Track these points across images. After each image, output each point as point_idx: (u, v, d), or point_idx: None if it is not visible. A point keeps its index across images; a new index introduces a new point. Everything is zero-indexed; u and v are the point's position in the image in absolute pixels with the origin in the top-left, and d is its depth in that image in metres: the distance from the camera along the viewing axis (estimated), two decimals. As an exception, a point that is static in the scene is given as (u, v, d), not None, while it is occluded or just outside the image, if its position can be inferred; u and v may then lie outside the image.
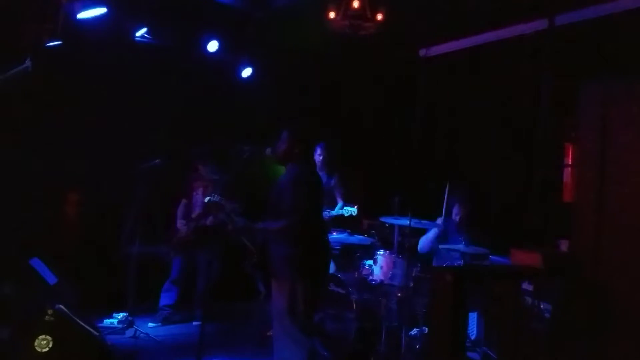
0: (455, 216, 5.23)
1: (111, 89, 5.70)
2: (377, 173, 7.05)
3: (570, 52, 4.93)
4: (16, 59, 5.04)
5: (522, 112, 5.48)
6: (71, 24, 5.04)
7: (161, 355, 4.79)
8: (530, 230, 4.85)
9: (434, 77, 6.31)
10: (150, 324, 5.50)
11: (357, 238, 5.39)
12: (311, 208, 3.72)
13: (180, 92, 6.23)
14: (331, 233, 5.31)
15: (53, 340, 3.71)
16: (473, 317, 4.77)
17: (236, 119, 6.49)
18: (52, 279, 4.36)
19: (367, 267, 5.15)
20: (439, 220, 5.19)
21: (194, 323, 5.62)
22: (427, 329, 4.80)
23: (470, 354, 4.62)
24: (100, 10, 5.11)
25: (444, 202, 5.18)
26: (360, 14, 4.87)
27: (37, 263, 4.41)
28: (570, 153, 5.02)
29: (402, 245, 4.99)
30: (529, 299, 3.51)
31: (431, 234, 5.18)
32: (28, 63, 5.03)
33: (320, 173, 4.62)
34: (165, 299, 5.65)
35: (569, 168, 5.05)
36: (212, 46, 6.14)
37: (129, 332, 5.10)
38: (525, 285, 3.54)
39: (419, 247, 5.23)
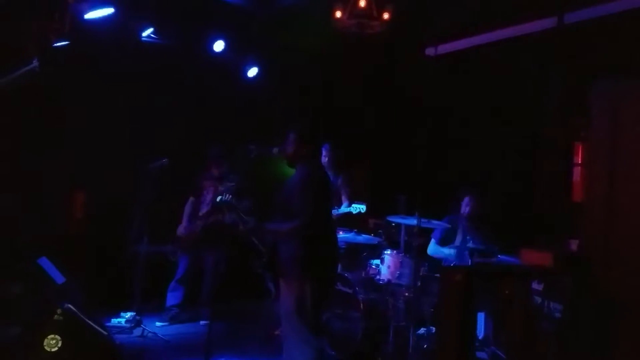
0: (465, 207, 5.19)
1: (118, 88, 5.71)
2: (383, 172, 7.03)
3: (580, 50, 4.90)
4: (24, 59, 5.07)
5: (531, 111, 5.46)
6: (78, 24, 5.05)
7: (169, 355, 4.80)
8: (539, 230, 4.82)
9: (441, 76, 6.28)
10: (158, 323, 5.50)
11: (363, 237, 5.38)
12: (321, 209, 3.71)
13: (186, 92, 6.24)
14: (337, 232, 5.29)
15: (62, 339, 3.71)
16: (480, 317, 4.76)
17: (243, 119, 6.50)
18: (60, 279, 4.37)
19: (374, 266, 5.15)
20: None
21: (202, 322, 5.63)
22: (434, 328, 4.79)
23: (477, 354, 4.60)
24: (107, 11, 5.12)
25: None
26: (366, 12, 4.85)
27: (45, 262, 4.43)
28: (579, 152, 5.00)
29: (410, 245, 4.97)
30: (538, 299, 3.50)
31: (437, 236, 5.18)
32: (35, 63, 5.05)
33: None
34: (171, 299, 5.66)
35: (579, 167, 5.03)
36: (218, 46, 6.15)
37: (137, 332, 5.11)
38: (535, 285, 3.52)
39: (430, 252, 5.22)
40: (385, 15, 4.86)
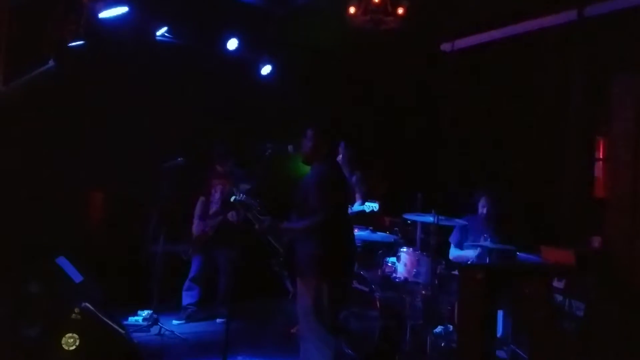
0: (482, 208, 5.13)
1: (133, 87, 5.73)
2: (399, 170, 6.98)
3: (601, 44, 4.80)
4: (40, 60, 5.11)
5: (552, 105, 5.36)
6: (93, 24, 5.07)
7: (186, 353, 4.81)
8: (560, 227, 4.75)
9: (458, 71, 6.21)
10: (175, 322, 5.52)
11: (379, 235, 5.34)
12: (337, 207, 3.68)
13: (200, 91, 6.24)
14: (353, 230, 5.25)
15: (80, 338, 3.73)
16: (499, 315, 4.69)
17: (257, 117, 6.49)
18: (78, 278, 4.39)
19: (390, 264, 5.11)
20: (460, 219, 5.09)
21: (218, 320, 5.64)
22: (452, 327, 4.75)
23: (497, 352, 4.54)
24: (122, 10, 5.13)
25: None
26: (381, 8, 4.81)
27: (63, 262, 4.45)
28: (601, 147, 4.90)
29: (426, 243, 4.92)
30: (559, 297, 3.44)
31: (455, 239, 5.11)
32: (52, 63, 5.09)
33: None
34: (187, 298, 5.67)
35: (601, 162, 4.93)
36: (232, 44, 6.14)
37: (154, 330, 5.13)
38: (556, 283, 3.46)
39: (452, 257, 5.16)
40: (400, 11, 4.82)
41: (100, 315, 3.91)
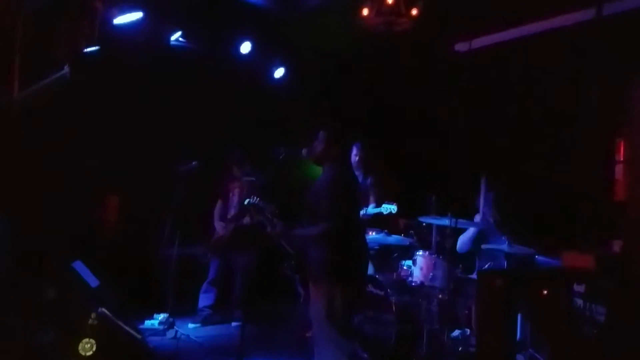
0: (490, 218, 5.06)
1: (148, 92, 5.76)
2: (413, 172, 6.93)
3: (620, 43, 4.71)
4: (55, 66, 5.15)
5: (571, 107, 5.28)
6: (108, 30, 5.10)
7: (202, 357, 4.83)
8: (579, 231, 4.67)
9: (472, 72, 6.14)
10: (191, 325, 5.54)
11: (395, 238, 5.30)
12: (349, 211, 3.66)
13: (214, 95, 6.25)
14: (368, 233, 5.23)
15: (97, 343, 3.74)
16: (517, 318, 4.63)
17: (271, 120, 6.48)
18: (94, 282, 4.42)
19: (405, 268, 5.07)
20: (477, 219, 5.03)
21: (233, 324, 5.65)
22: (469, 331, 4.70)
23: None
24: (136, 15, 5.15)
25: (479, 200, 5.00)
26: (394, 9, 4.77)
27: (79, 266, 4.48)
28: (621, 149, 4.81)
29: (442, 246, 4.88)
30: (579, 301, 3.37)
31: (470, 232, 5.04)
32: (66, 69, 5.13)
33: (356, 173, 4.55)
34: (203, 301, 5.69)
35: (621, 165, 4.84)
36: (245, 48, 6.15)
37: (170, 333, 5.15)
38: (576, 287, 3.39)
39: (458, 247, 5.10)
40: (414, 12, 4.77)
41: (116, 320, 3.93)
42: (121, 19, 5.12)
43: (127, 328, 4.03)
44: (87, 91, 5.45)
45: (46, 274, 4.66)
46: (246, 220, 5.56)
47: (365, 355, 4.61)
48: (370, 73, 6.83)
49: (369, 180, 5.61)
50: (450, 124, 6.40)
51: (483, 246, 4.97)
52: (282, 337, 5.34)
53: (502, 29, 5.77)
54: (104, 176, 5.63)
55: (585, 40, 5.02)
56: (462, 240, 5.09)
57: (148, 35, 5.51)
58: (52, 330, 4.07)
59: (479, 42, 6.07)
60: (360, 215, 4.72)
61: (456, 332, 4.78)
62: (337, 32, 5.80)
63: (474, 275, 4.82)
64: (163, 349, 4.82)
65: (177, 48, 5.89)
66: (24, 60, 5.23)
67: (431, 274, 4.78)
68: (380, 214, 5.31)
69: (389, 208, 5.23)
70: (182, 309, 5.55)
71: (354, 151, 5.46)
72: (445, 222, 4.68)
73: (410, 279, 4.91)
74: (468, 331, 4.71)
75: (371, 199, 5.58)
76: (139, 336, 4.18)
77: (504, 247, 4.57)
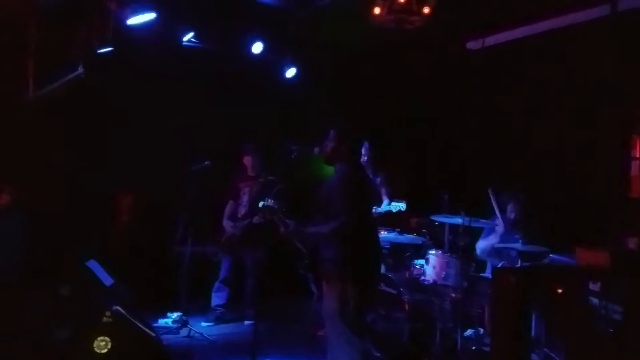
0: (510, 214, 5.02)
1: (160, 92, 5.80)
2: (424, 170, 6.91)
3: (635, 39, 4.65)
4: (69, 66, 5.20)
5: (585, 103, 5.23)
6: (121, 30, 5.14)
7: (216, 355, 4.84)
8: (594, 227, 4.62)
9: (486, 70, 6.10)
10: (204, 323, 5.56)
11: (407, 237, 5.29)
12: (361, 208, 3.65)
13: (226, 94, 6.28)
14: (380, 232, 5.21)
15: (111, 341, 3.77)
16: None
17: (283, 119, 6.49)
18: (108, 280, 4.46)
19: (417, 266, 5.05)
20: (497, 221, 4.98)
21: (246, 322, 5.66)
22: (482, 329, 4.67)
23: (529, 356, 4.45)
24: (149, 16, 5.19)
25: (492, 200, 4.96)
26: (405, 7, 4.75)
27: (93, 265, 4.52)
28: (637, 145, 4.76)
29: (455, 244, 4.85)
30: (595, 300, 3.34)
31: (490, 240, 4.99)
32: (80, 69, 5.18)
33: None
34: (216, 299, 5.72)
35: (637, 161, 4.79)
36: (257, 47, 6.16)
37: (184, 332, 5.18)
38: (591, 285, 3.37)
39: (478, 252, 5.06)
40: (426, 10, 4.75)
41: (131, 318, 3.96)
42: (134, 20, 5.15)
43: (141, 326, 4.06)
44: (100, 91, 5.50)
45: (61, 272, 4.71)
46: (257, 219, 5.58)
47: (378, 353, 4.61)
48: (382, 71, 6.82)
49: (378, 179, 5.61)
50: (463, 121, 6.37)
51: (496, 245, 4.94)
52: (294, 335, 5.35)
53: (515, 26, 5.73)
54: (118, 175, 5.67)
55: (600, 36, 4.98)
56: (483, 247, 5.04)
57: (161, 35, 5.54)
58: (67, 328, 4.12)
59: (492, 39, 6.03)
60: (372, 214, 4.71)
61: (469, 331, 4.76)
62: (348, 31, 5.80)
63: (488, 274, 4.79)
64: (177, 347, 4.85)
65: (190, 48, 5.92)
66: (38, 60, 5.29)
67: (444, 272, 4.76)
68: (390, 211, 5.31)
69: (398, 206, 5.23)
70: (195, 307, 5.57)
71: (362, 150, 5.44)
72: (458, 220, 4.65)
73: (422, 277, 4.89)
74: (481, 330, 4.69)
75: (384, 196, 5.58)
76: (153, 334, 4.21)
77: (518, 245, 4.54)
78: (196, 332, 5.15)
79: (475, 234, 5.18)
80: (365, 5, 4.78)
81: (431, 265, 4.86)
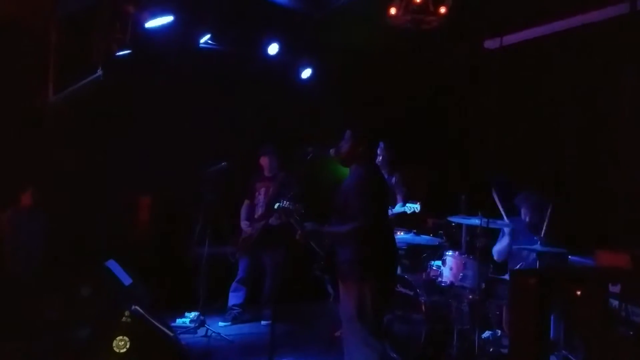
0: (525, 217, 4.97)
1: (178, 94, 5.85)
2: (441, 170, 6.87)
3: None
4: (88, 69, 5.28)
5: (604, 102, 5.15)
6: (139, 34, 5.19)
7: (234, 355, 4.87)
8: (615, 229, 4.55)
9: (503, 69, 6.05)
10: (221, 324, 5.60)
11: (423, 238, 5.26)
12: (378, 210, 3.65)
13: (242, 96, 6.32)
14: (396, 233, 5.20)
15: (130, 341, 3.81)
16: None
17: (299, 121, 6.51)
18: (127, 280, 4.51)
19: (435, 268, 5.02)
20: (505, 222, 4.93)
21: (263, 322, 5.69)
22: (500, 332, 4.63)
23: (548, 358, 4.40)
24: (168, 19, 5.23)
25: (497, 201, 4.90)
26: (422, 8, 4.73)
27: (113, 265, 4.58)
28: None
29: (473, 246, 4.82)
30: (615, 302, 3.30)
31: (505, 241, 4.95)
32: (100, 72, 5.26)
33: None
34: (233, 299, 5.75)
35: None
36: (273, 49, 6.19)
37: (201, 332, 5.21)
38: (611, 287, 3.32)
39: (496, 257, 5.01)
40: (442, 10, 4.73)
41: (149, 318, 3.99)
42: (152, 23, 5.20)
43: (160, 326, 4.09)
44: (119, 93, 5.56)
45: (82, 272, 4.78)
46: (273, 220, 5.60)
47: (395, 355, 4.60)
48: (397, 72, 6.80)
49: (393, 179, 5.60)
50: (481, 122, 6.33)
51: (514, 247, 4.89)
52: (311, 336, 5.36)
53: (533, 25, 5.67)
54: (136, 177, 5.73)
55: (619, 35, 4.90)
56: (500, 250, 5.00)
57: (178, 38, 5.59)
58: (87, 328, 4.17)
59: (511, 38, 5.97)
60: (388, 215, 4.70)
61: (487, 333, 4.72)
62: (364, 31, 5.80)
63: (506, 276, 4.75)
64: (194, 347, 4.89)
65: (206, 50, 5.96)
66: (58, 64, 5.38)
67: (461, 274, 4.73)
68: (404, 213, 5.28)
69: (413, 207, 5.20)
70: (213, 307, 5.61)
71: (378, 151, 5.43)
72: (476, 221, 4.62)
73: (439, 279, 4.86)
74: (499, 332, 4.65)
75: (398, 198, 5.56)
76: (171, 334, 4.24)
77: (537, 246, 4.49)
78: (213, 332, 5.19)
79: (494, 235, 5.14)
80: (381, 6, 4.76)
81: (448, 267, 4.83)
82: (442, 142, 6.94)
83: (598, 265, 3.08)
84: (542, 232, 4.59)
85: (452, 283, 4.77)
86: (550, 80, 5.76)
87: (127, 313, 3.90)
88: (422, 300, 4.64)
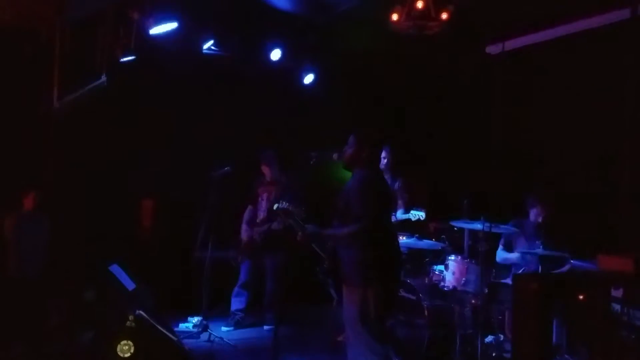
0: (537, 217, 4.95)
1: (182, 99, 5.89)
2: (444, 174, 6.88)
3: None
4: (93, 75, 5.32)
5: (606, 106, 5.17)
6: (144, 40, 5.23)
7: (237, 359, 4.87)
8: (618, 233, 4.56)
9: (506, 75, 6.07)
10: (224, 328, 5.61)
11: (426, 243, 5.25)
12: (381, 213, 3.66)
13: (246, 101, 6.35)
14: (399, 237, 5.19)
15: (134, 345, 3.83)
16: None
17: (302, 125, 6.54)
18: (130, 285, 4.53)
19: (437, 272, 5.03)
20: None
21: (265, 327, 5.69)
22: (503, 336, 4.64)
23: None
24: (172, 25, 5.27)
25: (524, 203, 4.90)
26: (424, 13, 4.76)
27: (116, 269, 4.60)
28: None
29: (475, 250, 4.83)
30: (617, 306, 3.31)
31: (514, 256, 4.97)
32: (104, 78, 5.30)
33: (385, 176, 4.54)
34: (236, 304, 5.75)
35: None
36: (276, 55, 6.22)
37: (204, 336, 5.22)
38: (614, 291, 3.33)
39: (499, 259, 5.02)
40: (444, 15, 4.75)
41: (153, 322, 4.01)
42: (157, 29, 5.24)
43: (164, 330, 4.11)
44: (123, 99, 5.60)
45: (85, 277, 4.80)
46: (275, 225, 5.60)
47: (398, 359, 4.60)
48: (400, 78, 6.83)
49: (397, 184, 5.59)
50: (483, 126, 6.34)
51: (517, 250, 4.90)
52: (314, 340, 5.36)
53: (535, 30, 5.69)
54: (140, 181, 5.76)
55: (620, 39, 4.92)
56: (506, 258, 5.00)
57: (182, 44, 5.63)
58: (91, 332, 4.19)
59: (513, 43, 5.99)
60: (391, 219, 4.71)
61: (490, 338, 4.72)
62: (366, 37, 5.83)
63: (508, 280, 4.76)
64: (197, 351, 4.89)
65: (210, 56, 6.00)
66: (63, 69, 5.41)
67: (464, 278, 4.74)
68: (409, 220, 5.28)
69: (418, 214, 5.19)
70: (215, 312, 5.62)
71: (382, 154, 5.44)
72: (478, 226, 4.63)
73: (442, 283, 4.87)
74: (502, 336, 4.65)
75: (399, 203, 5.55)
76: (175, 338, 4.26)
77: (539, 250, 4.50)
78: (216, 337, 5.19)
79: (496, 239, 5.14)
80: (384, 12, 4.79)
81: (451, 271, 4.84)
82: (444, 146, 6.95)
83: (600, 270, 3.08)
84: (546, 234, 4.61)
85: (454, 287, 4.78)
86: (551, 85, 5.77)
87: (131, 317, 3.92)
88: (425, 305, 4.65)
